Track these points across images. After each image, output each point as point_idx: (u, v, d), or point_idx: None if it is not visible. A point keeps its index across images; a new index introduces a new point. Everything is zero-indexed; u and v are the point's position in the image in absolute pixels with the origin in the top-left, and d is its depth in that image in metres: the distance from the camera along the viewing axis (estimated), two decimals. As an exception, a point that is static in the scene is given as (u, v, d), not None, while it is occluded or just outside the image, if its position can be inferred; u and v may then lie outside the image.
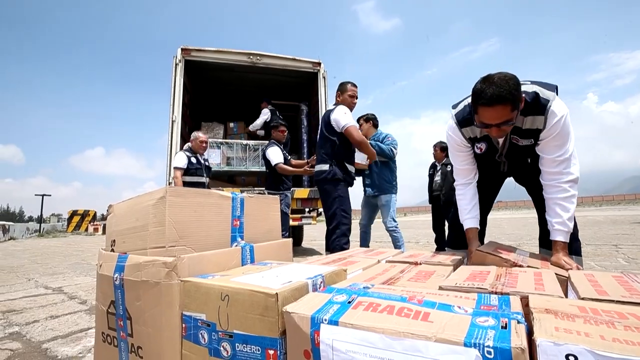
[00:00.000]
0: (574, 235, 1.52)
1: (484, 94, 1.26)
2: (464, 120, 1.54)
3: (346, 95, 2.56)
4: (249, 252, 1.32)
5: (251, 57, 4.88)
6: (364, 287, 0.83)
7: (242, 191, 4.13)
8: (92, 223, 20.32)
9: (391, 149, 3.36)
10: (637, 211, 20.86)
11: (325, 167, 2.37)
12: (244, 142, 5.20)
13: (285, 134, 4.05)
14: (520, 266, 1.24)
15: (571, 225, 1.42)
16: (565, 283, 0.94)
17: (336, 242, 2.25)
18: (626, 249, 4.33)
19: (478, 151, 1.63)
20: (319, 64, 5.15)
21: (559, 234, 1.41)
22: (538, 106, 1.36)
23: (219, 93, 6.20)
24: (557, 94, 1.39)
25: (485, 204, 1.83)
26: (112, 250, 1.24)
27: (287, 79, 5.58)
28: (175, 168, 3.70)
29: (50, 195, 20.14)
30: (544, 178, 1.49)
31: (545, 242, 1.59)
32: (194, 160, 3.82)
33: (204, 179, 3.89)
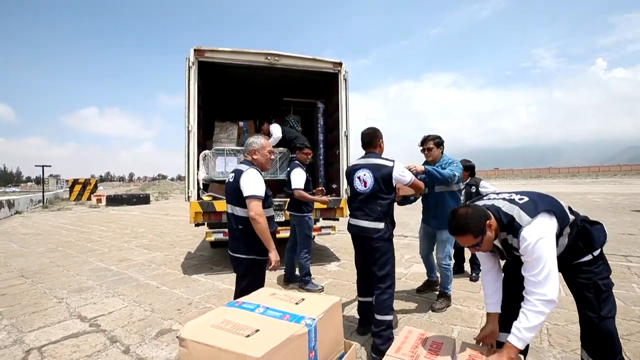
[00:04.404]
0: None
1: None
2: None
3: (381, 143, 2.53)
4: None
5: (269, 57, 4.55)
6: None
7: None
8: (94, 193, 20.31)
9: (452, 175, 2.89)
10: (632, 186, 21.39)
11: (381, 225, 2.32)
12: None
13: (310, 156, 3.94)
14: None
15: (528, 335, 1.48)
16: None
17: (387, 302, 2.29)
18: (636, 264, 4.45)
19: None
20: (340, 64, 4.84)
21: (512, 337, 1.51)
22: (512, 228, 1.54)
23: (232, 91, 5.86)
24: (539, 215, 1.50)
25: None
26: (195, 398, 1.23)
27: (305, 76, 5.26)
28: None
29: (50, 166, 19.96)
30: (524, 283, 1.56)
31: (504, 326, 1.70)
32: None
33: None
